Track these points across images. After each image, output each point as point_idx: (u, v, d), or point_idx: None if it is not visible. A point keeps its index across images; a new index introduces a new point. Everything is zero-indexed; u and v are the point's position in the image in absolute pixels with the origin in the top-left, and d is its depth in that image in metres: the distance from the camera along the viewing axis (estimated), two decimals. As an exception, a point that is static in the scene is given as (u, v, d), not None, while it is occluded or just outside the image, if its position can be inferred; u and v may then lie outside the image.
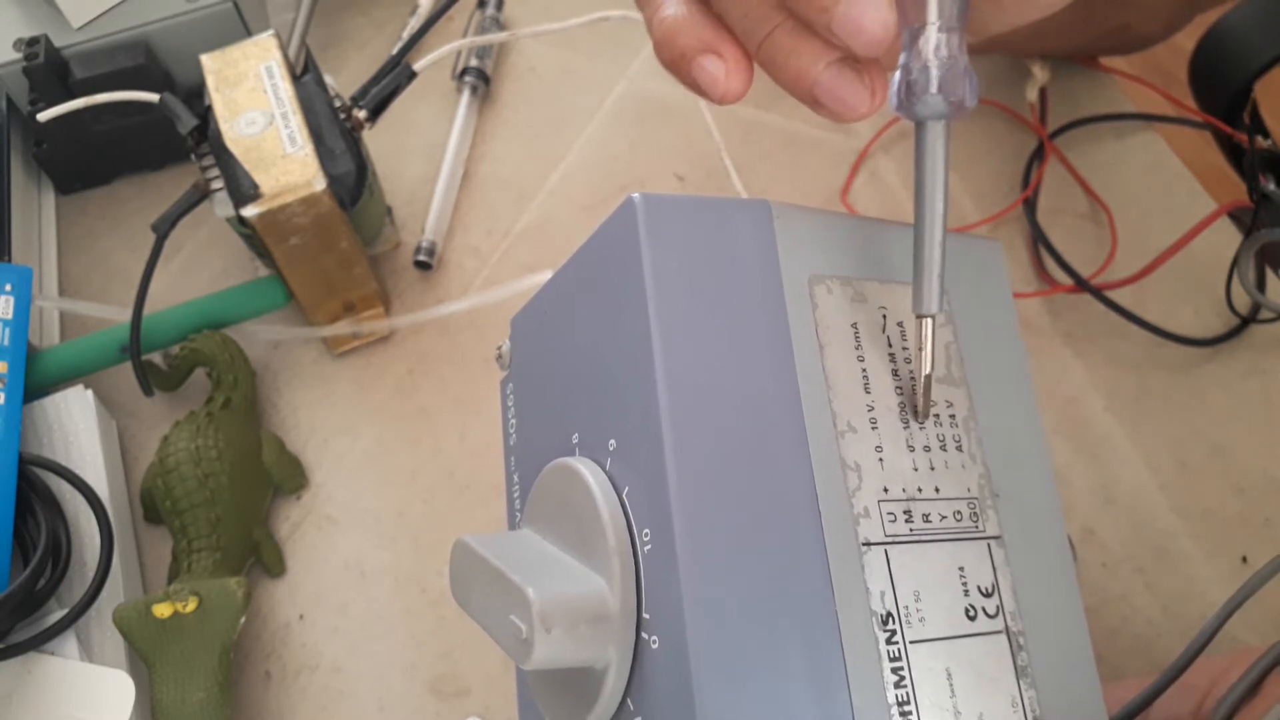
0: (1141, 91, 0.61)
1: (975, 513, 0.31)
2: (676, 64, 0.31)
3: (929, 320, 0.30)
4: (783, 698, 0.26)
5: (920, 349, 0.30)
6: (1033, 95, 0.59)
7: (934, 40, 0.28)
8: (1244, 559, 0.48)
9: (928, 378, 0.30)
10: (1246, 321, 0.53)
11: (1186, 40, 0.57)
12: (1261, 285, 0.52)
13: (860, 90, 0.29)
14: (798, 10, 0.28)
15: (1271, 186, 0.52)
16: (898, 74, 0.28)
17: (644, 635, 0.28)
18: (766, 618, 0.26)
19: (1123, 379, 0.52)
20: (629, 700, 0.28)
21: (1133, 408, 0.52)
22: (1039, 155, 0.58)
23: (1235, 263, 0.50)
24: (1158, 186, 0.58)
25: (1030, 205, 0.57)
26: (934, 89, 0.28)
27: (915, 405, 0.31)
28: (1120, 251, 0.55)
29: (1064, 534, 0.32)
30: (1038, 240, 0.56)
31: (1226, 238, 0.55)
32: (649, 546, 0.28)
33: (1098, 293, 0.53)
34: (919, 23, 0.28)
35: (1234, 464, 0.50)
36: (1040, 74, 0.58)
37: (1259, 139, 0.53)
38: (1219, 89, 0.55)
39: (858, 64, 0.29)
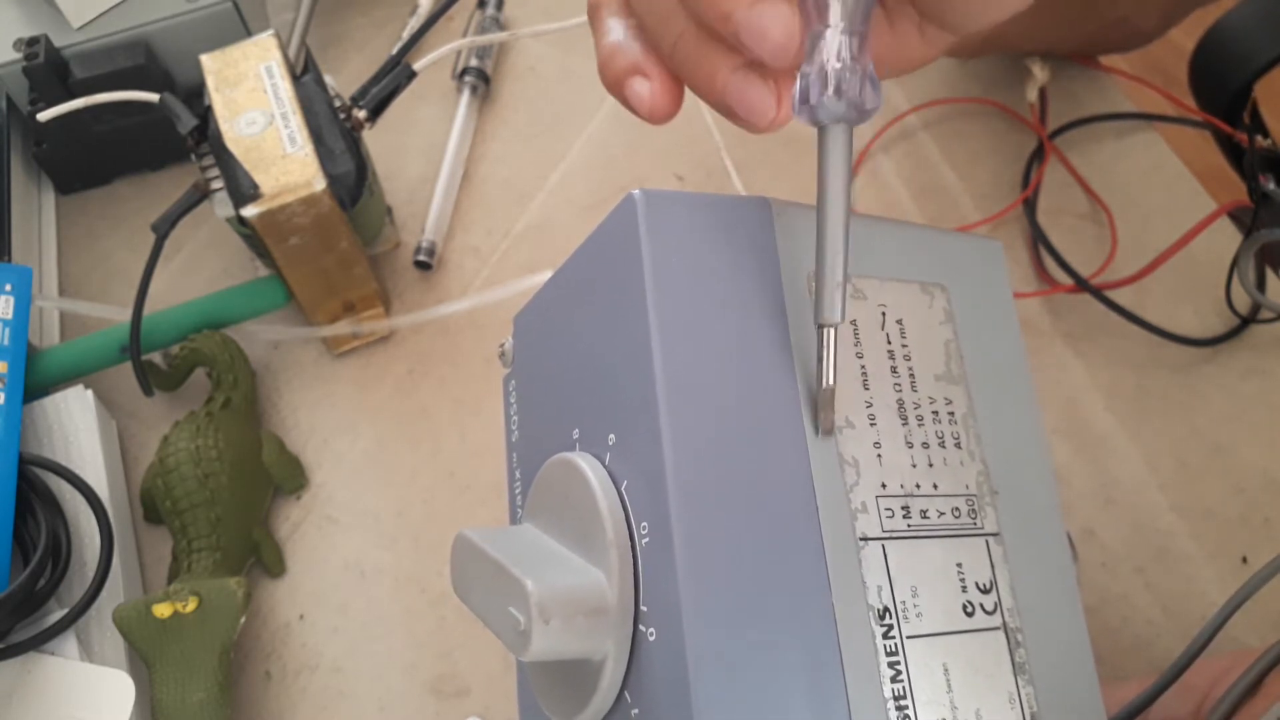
0: (1141, 91, 0.61)
1: (974, 510, 0.31)
2: (613, 87, 0.32)
3: (830, 330, 0.29)
4: (779, 691, 0.26)
5: (821, 360, 0.29)
6: (1033, 95, 0.59)
7: (834, 44, 0.27)
8: (1244, 559, 0.48)
9: (829, 390, 0.29)
10: (1246, 321, 0.53)
11: (1187, 40, 0.57)
12: (1261, 285, 0.52)
13: (767, 96, 0.29)
14: (704, 18, 0.28)
15: (1271, 186, 0.52)
16: (799, 79, 0.28)
17: (641, 628, 0.28)
18: (763, 611, 0.26)
19: (1123, 379, 0.52)
20: (626, 693, 0.28)
21: (1133, 408, 0.52)
22: (1039, 155, 0.58)
23: (1235, 263, 0.50)
24: (1158, 186, 0.58)
25: (1030, 205, 0.57)
26: (832, 93, 0.27)
27: (815, 418, 0.29)
28: (1120, 251, 0.55)
29: (1063, 532, 0.32)
30: (1038, 240, 0.56)
31: (1226, 238, 0.55)
32: (647, 540, 0.28)
33: (1098, 293, 0.53)
34: (820, 26, 0.28)
35: (1234, 464, 0.50)
36: (1040, 74, 0.58)
37: (1259, 139, 0.53)
38: (1219, 89, 0.55)
39: (764, 69, 0.29)
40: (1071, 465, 0.50)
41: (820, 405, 0.29)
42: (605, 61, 0.32)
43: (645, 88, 0.31)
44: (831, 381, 0.29)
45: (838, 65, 0.27)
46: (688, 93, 0.32)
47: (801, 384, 0.29)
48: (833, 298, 0.28)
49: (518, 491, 0.37)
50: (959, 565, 0.30)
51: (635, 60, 0.31)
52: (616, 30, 0.32)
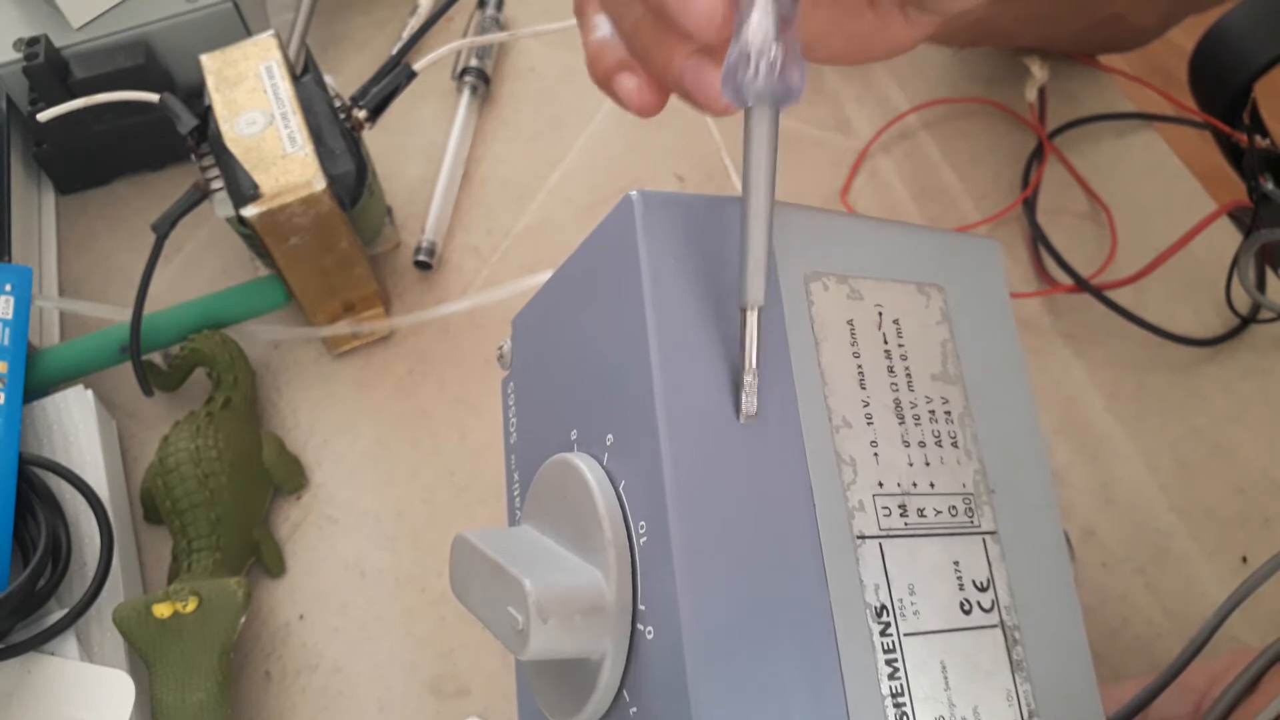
0: (1141, 91, 0.61)
1: (971, 508, 0.31)
2: (602, 83, 0.33)
3: (753, 314, 0.28)
4: (777, 688, 0.26)
5: (743, 345, 0.28)
6: (1032, 95, 0.59)
7: (757, 24, 0.27)
8: (1244, 559, 0.48)
9: (752, 375, 0.28)
10: (1246, 321, 0.53)
11: (1186, 40, 0.57)
12: (1261, 285, 0.52)
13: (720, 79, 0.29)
14: (648, 2, 0.29)
15: (1271, 186, 0.52)
16: (726, 59, 0.28)
17: (639, 626, 0.28)
18: (761, 609, 0.26)
19: (1123, 379, 0.52)
20: (625, 691, 0.28)
21: (1133, 408, 0.52)
22: (1039, 155, 0.58)
23: (1235, 263, 0.50)
24: (1158, 186, 0.58)
25: (1030, 205, 0.57)
26: (753, 73, 0.27)
27: (737, 403, 0.29)
28: (1120, 251, 0.55)
29: (1060, 531, 0.32)
30: (1038, 240, 0.56)
31: (1226, 238, 0.55)
32: (644, 539, 0.28)
33: (1098, 293, 0.53)
34: (747, 7, 0.28)
35: (1234, 464, 0.50)
36: (1040, 73, 0.58)
37: (1258, 139, 0.53)
38: (1219, 89, 0.55)
39: (717, 55, 0.29)
40: (1071, 465, 0.50)
41: (743, 390, 0.28)
42: (593, 58, 0.33)
43: (632, 82, 0.32)
44: (753, 364, 0.28)
45: (759, 45, 0.27)
46: None
47: (798, 383, 0.29)
48: (755, 279, 0.28)
49: (516, 493, 0.38)
50: (956, 563, 0.30)
51: (621, 56, 0.32)
52: (603, 26, 0.33)
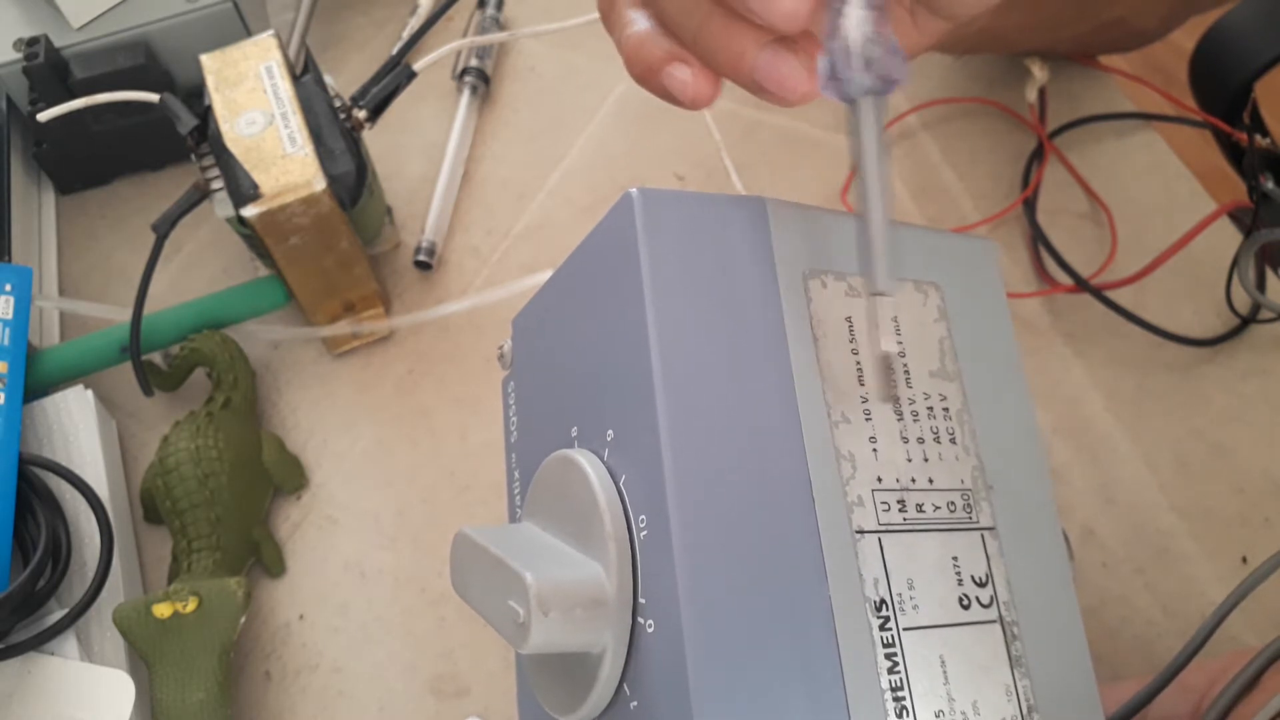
0: (1141, 91, 0.61)
1: (969, 504, 0.31)
2: (646, 77, 0.32)
3: (880, 299, 0.29)
4: (776, 682, 0.26)
5: (876, 327, 0.29)
6: (1032, 95, 0.59)
7: (855, 17, 0.27)
8: (1244, 559, 0.48)
9: (886, 356, 0.29)
10: (1246, 321, 0.53)
11: (1186, 40, 0.57)
12: (1261, 285, 0.52)
13: (798, 69, 0.29)
14: None
15: (1271, 186, 0.52)
16: (822, 56, 0.28)
17: (640, 620, 0.28)
18: (760, 603, 0.27)
19: (1123, 379, 0.52)
20: (625, 685, 0.28)
21: (1133, 408, 0.52)
22: (1039, 155, 0.58)
23: (1235, 263, 0.50)
24: (1158, 186, 0.58)
25: (1030, 205, 0.57)
26: (859, 67, 0.27)
27: (877, 388, 0.30)
28: (1120, 251, 0.55)
29: (1058, 527, 0.32)
30: (1038, 240, 0.56)
31: (1226, 238, 0.55)
32: (645, 532, 0.28)
33: (1098, 293, 0.53)
34: (839, 2, 0.28)
35: (1234, 464, 0.50)
36: (1040, 74, 0.58)
37: (1259, 138, 0.53)
38: (1219, 88, 0.55)
39: (793, 44, 0.29)
40: (1071, 465, 0.50)
41: (878, 371, 0.30)
42: (634, 52, 0.32)
43: (686, 73, 0.31)
44: (889, 348, 0.29)
45: (861, 39, 0.27)
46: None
47: (797, 380, 0.29)
48: (880, 267, 0.28)
49: (516, 492, 0.38)
50: (955, 559, 0.30)
51: (669, 48, 0.31)
52: (640, 21, 0.32)
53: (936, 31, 0.33)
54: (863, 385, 0.31)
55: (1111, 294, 0.53)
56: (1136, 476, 0.50)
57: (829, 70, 0.28)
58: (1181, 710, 0.34)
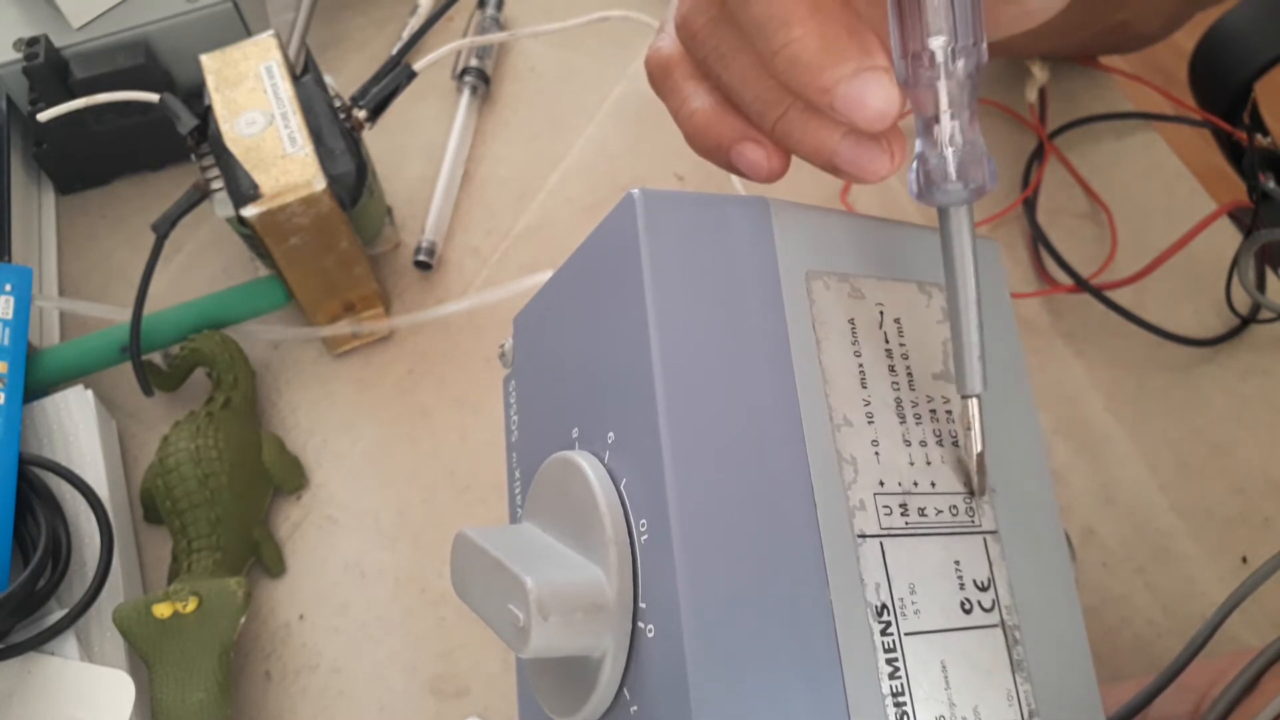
0: (1141, 91, 0.61)
1: (971, 508, 0.31)
2: (713, 153, 0.32)
3: (974, 400, 0.30)
4: (777, 687, 0.26)
5: (968, 428, 0.30)
6: (1032, 95, 0.59)
7: (948, 128, 0.28)
8: (1244, 559, 0.48)
9: (980, 455, 0.30)
10: (1246, 321, 0.53)
11: (1186, 40, 0.57)
12: (1261, 285, 0.52)
13: (880, 155, 0.30)
14: (802, 95, 0.28)
15: (1271, 185, 0.52)
16: (914, 163, 0.29)
17: (640, 624, 0.28)
18: (761, 607, 0.26)
19: (1123, 379, 0.52)
20: (625, 689, 0.28)
21: (1133, 408, 0.52)
22: (1039, 155, 0.58)
23: (1235, 263, 0.50)
24: (1158, 186, 0.58)
25: (1030, 205, 0.57)
26: (953, 176, 0.28)
27: (970, 484, 0.31)
28: (1120, 251, 0.55)
29: (1060, 530, 0.32)
30: (1038, 240, 0.56)
31: (1226, 238, 0.55)
32: (646, 536, 0.28)
33: (1098, 293, 0.53)
34: (931, 111, 0.28)
35: (1234, 464, 0.50)
36: (1040, 74, 0.58)
37: (1259, 138, 0.53)
38: (1219, 88, 0.55)
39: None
40: (1071, 465, 0.50)
41: (975, 470, 0.30)
42: (700, 131, 0.32)
43: (759, 154, 0.32)
44: (980, 448, 0.30)
45: (956, 149, 0.27)
46: None
47: (799, 382, 0.29)
48: (973, 369, 0.29)
49: (517, 491, 0.38)
50: (957, 563, 0.30)
51: (738, 126, 0.32)
52: (700, 96, 0.32)
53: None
54: (865, 388, 0.31)
55: (1111, 294, 0.53)
56: (1136, 476, 0.50)
57: (923, 180, 0.28)
58: (1181, 711, 0.35)
